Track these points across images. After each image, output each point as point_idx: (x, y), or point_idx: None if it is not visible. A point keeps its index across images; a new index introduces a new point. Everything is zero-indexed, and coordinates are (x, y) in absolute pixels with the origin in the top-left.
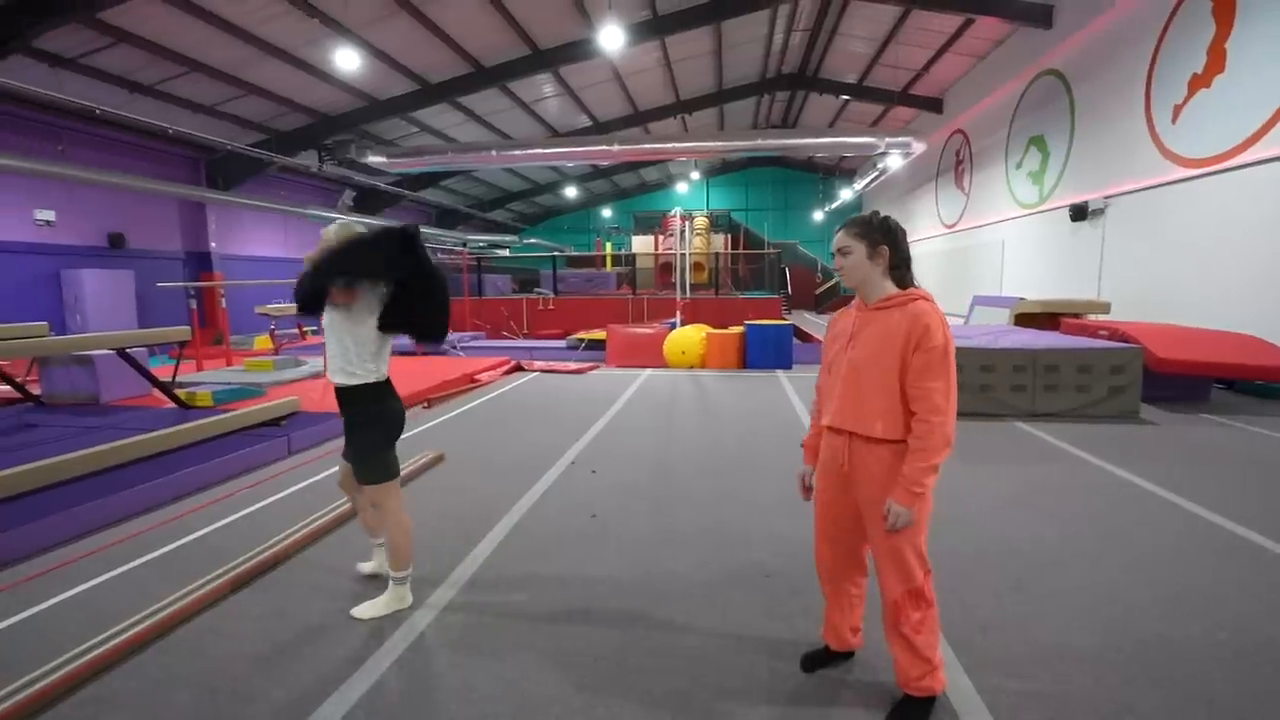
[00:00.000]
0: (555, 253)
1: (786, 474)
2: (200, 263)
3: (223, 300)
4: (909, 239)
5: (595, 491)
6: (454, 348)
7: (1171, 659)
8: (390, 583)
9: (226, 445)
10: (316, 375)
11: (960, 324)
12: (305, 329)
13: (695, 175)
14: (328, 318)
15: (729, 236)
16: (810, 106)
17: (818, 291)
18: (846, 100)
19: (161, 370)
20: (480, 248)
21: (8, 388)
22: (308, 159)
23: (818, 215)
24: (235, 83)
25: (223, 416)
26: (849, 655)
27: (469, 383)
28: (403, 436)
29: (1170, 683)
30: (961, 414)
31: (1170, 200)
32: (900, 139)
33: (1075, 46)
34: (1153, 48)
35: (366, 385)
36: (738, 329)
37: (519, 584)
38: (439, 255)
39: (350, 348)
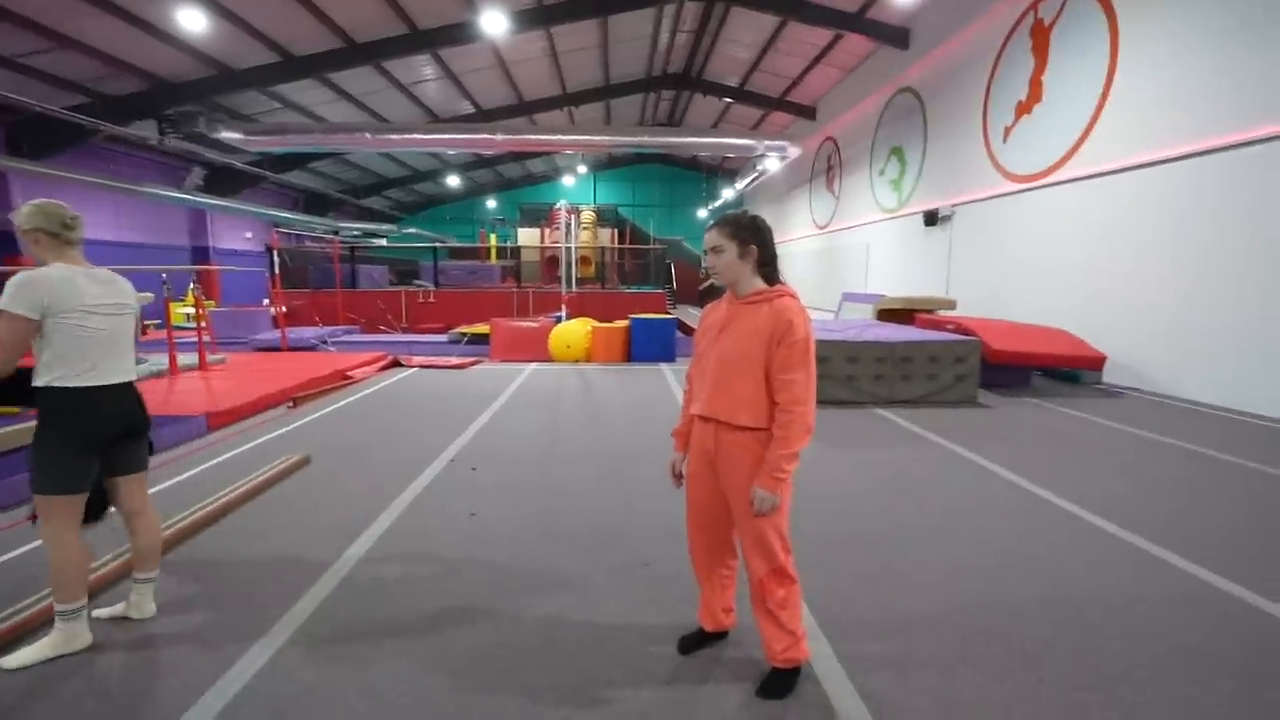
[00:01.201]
0: (436, 243)
1: (665, 463)
2: (5, 244)
3: None
4: (785, 238)
5: (476, 489)
6: (324, 343)
7: (1002, 617)
8: (56, 620)
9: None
10: (159, 375)
11: (830, 319)
12: (147, 323)
13: (582, 169)
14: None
15: (615, 231)
16: (695, 107)
17: (701, 287)
18: (729, 103)
19: None
20: (354, 236)
21: None
22: (146, 130)
23: (701, 213)
24: (47, 33)
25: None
26: (723, 635)
27: (341, 380)
28: (267, 438)
29: (998, 636)
30: (828, 402)
31: (1003, 210)
32: (777, 143)
33: (927, 67)
34: (988, 74)
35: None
36: (623, 323)
37: (392, 588)
38: (307, 243)
39: None
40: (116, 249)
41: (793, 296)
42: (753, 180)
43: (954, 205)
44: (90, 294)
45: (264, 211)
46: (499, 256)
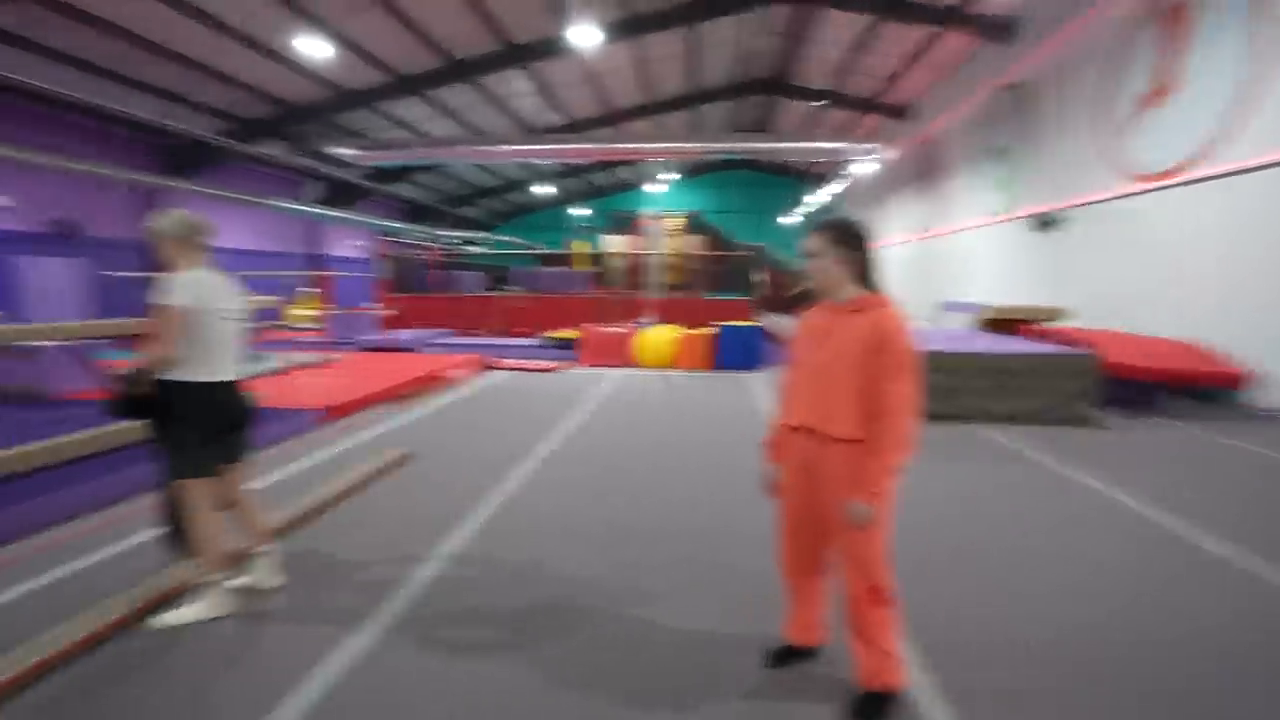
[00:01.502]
0: (528, 250)
1: (754, 472)
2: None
3: None
4: (880, 244)
5: (566, 489)
6: (423, 345)
7: (1122, 651)
8: (202, 588)
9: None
10: (280, 371)
11: (929, 328)
12: (266, 325)
13: (669, 176)
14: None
15: (701, 238)
16: (783, 111)
17: (789, 295)
18: (819, 106)
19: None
20: (452, 243)
21: None
22: (274, 148)
23: (789, 219)
24: (200, 69)
25: None
26: (813, 651)
27: (438, 380)
28: (373, 433)
29: (1117, 672)
30: (926, 416)
31: (1124, 213)
32: (869, 146)
33: (1036, 61)
34: (1108, 64)
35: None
36: (709, 329)
37: (484, 584)
38: (408, 250)
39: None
40: (245, 256)
41: (892, 304)
42: (843, 185)
43: (1067, 208)
44: (222, 298)
45: (371, 221)
46: (587, 263)
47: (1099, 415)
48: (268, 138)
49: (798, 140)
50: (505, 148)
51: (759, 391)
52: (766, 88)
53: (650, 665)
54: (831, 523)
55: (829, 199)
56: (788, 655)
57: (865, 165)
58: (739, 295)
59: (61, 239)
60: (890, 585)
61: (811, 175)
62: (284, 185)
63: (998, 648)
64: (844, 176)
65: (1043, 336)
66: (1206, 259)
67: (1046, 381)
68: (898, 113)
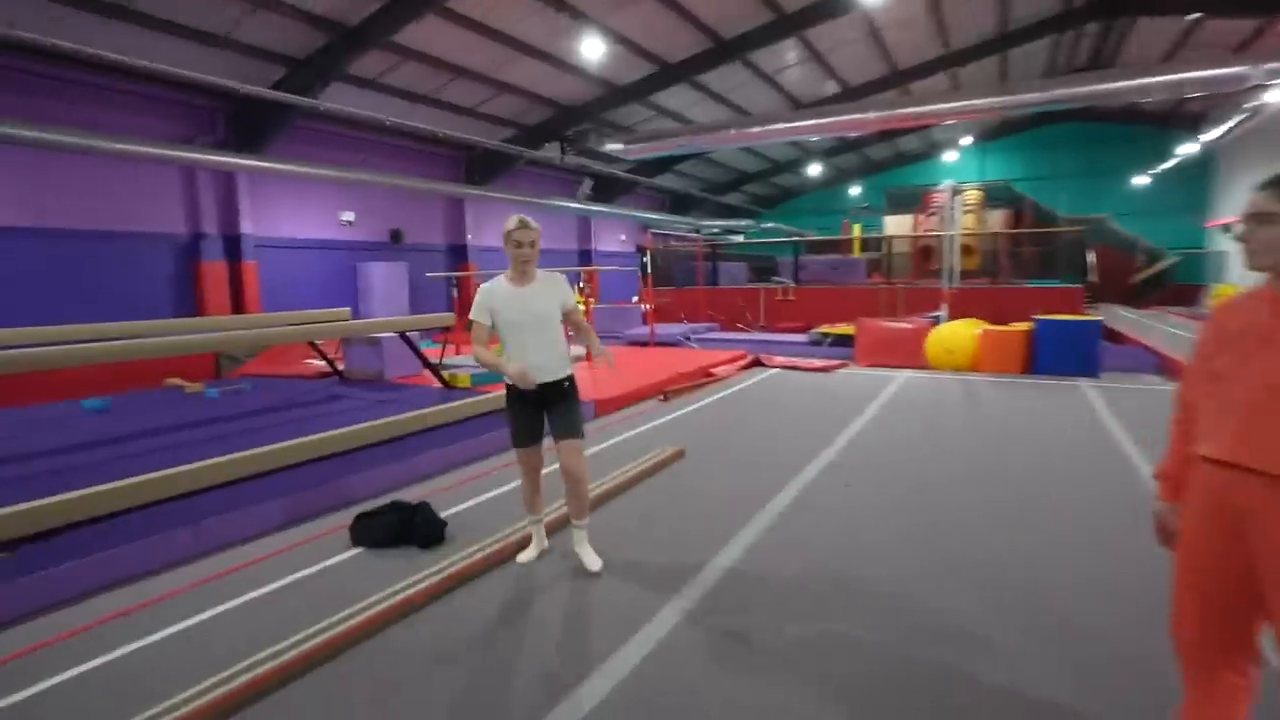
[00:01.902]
0: (796, 237)
1: (1094, 507)
2: (458, 255)
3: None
4: None
5: (850, 505)
6: (687, 339)
7: None
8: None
9: (484, 424)
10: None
11: None
12: None
13: (966, 141)
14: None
15: (1009, 212)
16: (1135, 36)
17: (1135, 280)
18: (1198, 18)
19: (429, 353)
20: (714, 234)
21: (323, 363)
22: (551, 151)
23: (1139, 180)
24: (491, 84)
25: (481, 398)
26: None
27: (704, 377)
28: (643, 428)
29: None
30: None
31: None
32: None
33: None
34: None
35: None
36: (1022, 325)
37: (770, 596)
38: (671, 242)
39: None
40: None
41: None
42: (1236, 125)
43: None
44: (504, 301)
45: (636, 214)
46: (863, 249)
47: None
48: (548, 140)
49: (1162, 73)
50: (774, 126)
51: (1097, 405)
52: (1109, 8)
53: None
54: (1273, 594)
55: (1206, 148)
56: None
57: (1277, 93)
58: (1064, 282)
59: (392, 246)
60: None
61: (1178, 119)
62: (561, 185)
63: None
64: (1240, 113)
65: None
66: None
67: None
68: None
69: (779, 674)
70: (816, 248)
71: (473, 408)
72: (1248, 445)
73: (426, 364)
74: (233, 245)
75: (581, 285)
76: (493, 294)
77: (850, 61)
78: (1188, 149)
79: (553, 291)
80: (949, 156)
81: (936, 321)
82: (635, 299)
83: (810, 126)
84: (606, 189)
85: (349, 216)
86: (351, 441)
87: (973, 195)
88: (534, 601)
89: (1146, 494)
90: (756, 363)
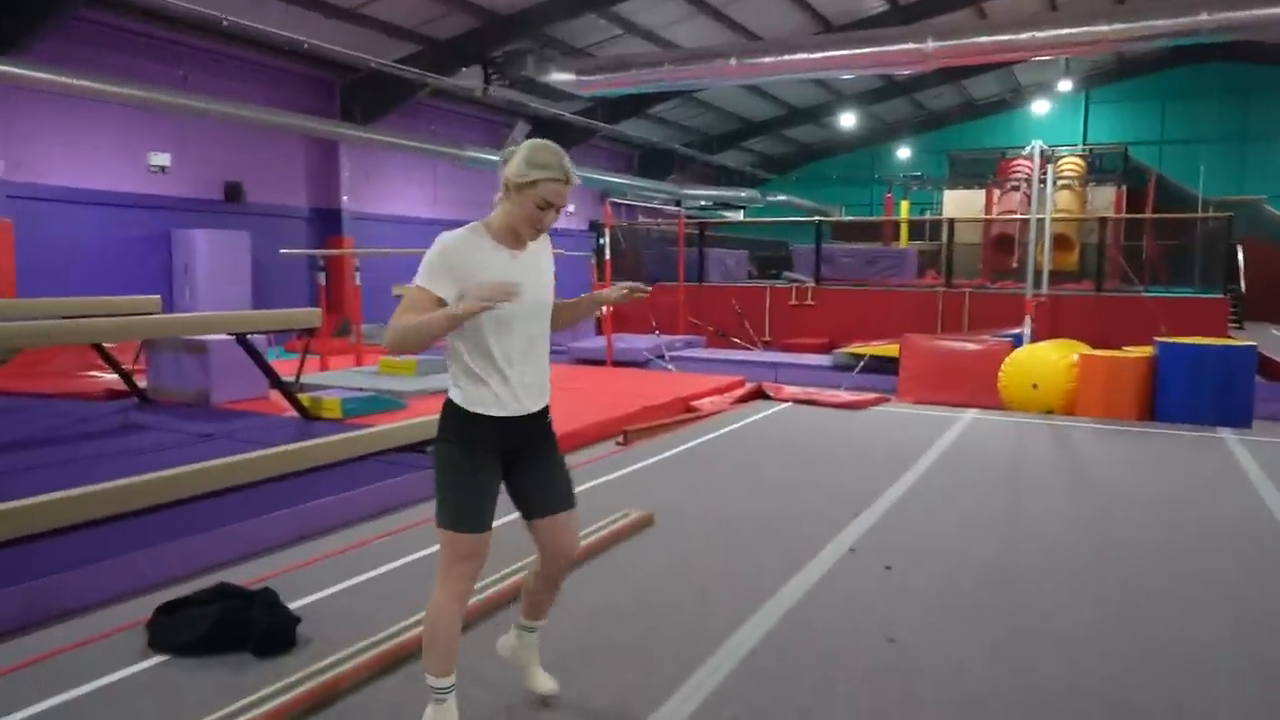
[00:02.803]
0: (819, 217)
1: (1255, 609)
2: (328, 223)
3: (357, 275)
4: None
5: (891, 601)
6: (660, 358)
7: None
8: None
9: (356, 474)
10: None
11: None
12: None
13: (1065, 85)
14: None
15: (1123, 189)
16: None
17: None
18: None
19: (280, 367)
20: (703, 208)
21: (114, 376)
22: (470, 79)
23: None
24: None
25: (355, 435)
26: None
27: (684, 412)
28: (593, 483)
29: None
30: None
31: None
32: None
33: None
34: None
35: None
36: (1141, 351)
37: None
38: (640, 217)
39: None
40: (429, 227)
41: None
42: None
43: None
44: (491, 272)
45: (594, 176)
46: (914, 236)
47: None
48: (465, 64)
49: None
50: (793, 57)
51: (1247, 466)
52: None
53: None
54: None
55: None
56: None
57: None
58: (1201, 291)
59: (228, 206)
60: None
61: None
62: (483, 129)
63: None
64: None
65: None
66: None
67: None
68: None
69: None
70: (847, 232)
71: (342, 448)
72: None
73: (277, 383)
74: None
75: None
76: (469, 254)
77: None
78: None
79: (549, 261)
80: (1039, 108)
81: (1017, 343)
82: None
83: (845, 58)
84: (549, 137)
85: (162, 160)
86: (152, 496)
87: (1072, 164)
88: None
89: None
90: (759, 393)
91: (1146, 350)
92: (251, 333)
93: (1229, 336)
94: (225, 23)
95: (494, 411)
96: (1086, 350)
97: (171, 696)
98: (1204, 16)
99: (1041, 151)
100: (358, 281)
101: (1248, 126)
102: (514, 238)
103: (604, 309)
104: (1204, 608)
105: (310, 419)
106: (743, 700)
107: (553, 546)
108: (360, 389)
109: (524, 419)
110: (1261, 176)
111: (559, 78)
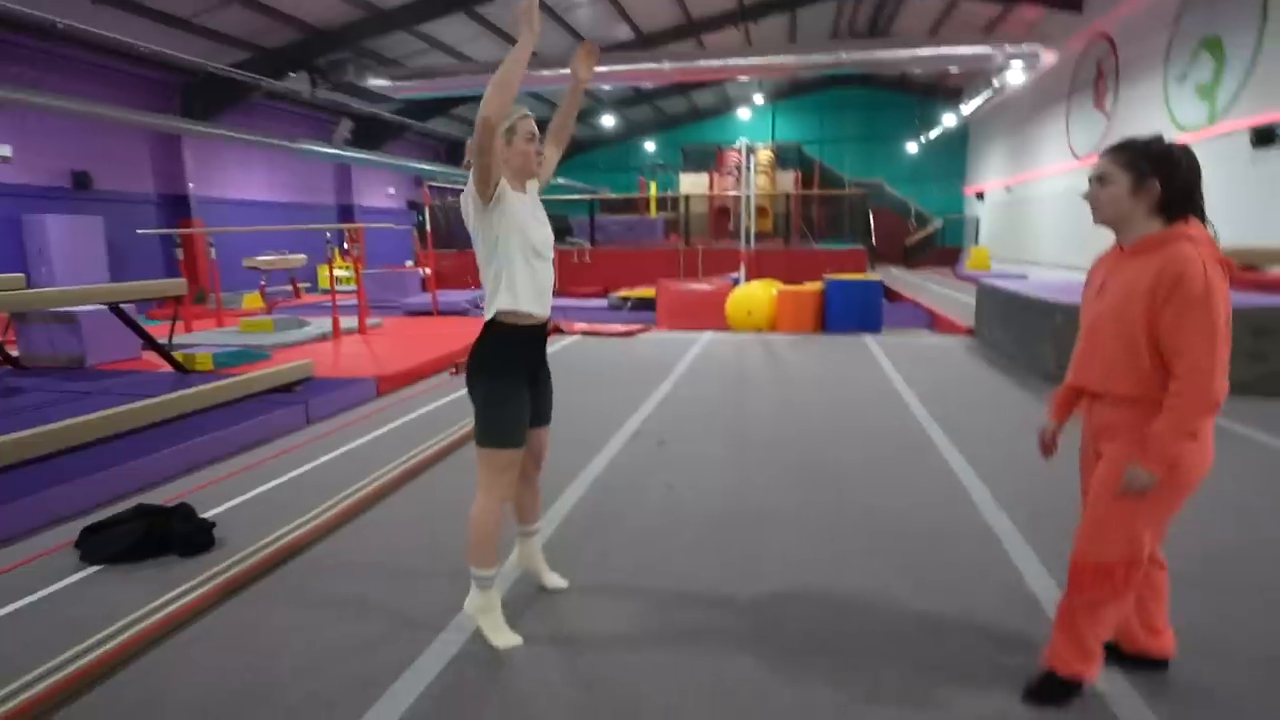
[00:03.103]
0: (590, 195)
1: (879, 438)
2: (176, 207)
3: (211, 250)
4: (1029, 174)
5: (666, 463)
6: (476, 307)
7: None
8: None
9: (237, 413)
10: (324, 337)
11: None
12: (300, 285)
13: (759, 99)
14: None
15: (799, 174)
16: (907, 9)
17: (909, 242)
18: None
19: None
20: None
21: None
22: (298, 83)
23: (911, 147)
24: None
25: (229, 381)
26: (1153, 663)
27: None
28: (437, 404)
29: None
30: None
31: None
32: (1025, 48)
33: None
34: None
35: None
36: (814, 285)
37: (589, 567)
38: (449, 198)
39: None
40: (270, 209)
41: (1192, 240)
42: (986, 100)
43: None
44: (525, 211)
45: (407, 164)
46: (660, 208)
47: None
48: (293, 69)
49: (927, 46)
50: (564, 71)
51: (880, 357)
52: None
53: (825, 645)
54: (1093, 479)
55: (965, 120)
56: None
57: (1017, 73)
58: (850, 244)
59: (77, 193)
60: (1127, 575)
61: (943, 91)
62: (313, 126)
63: (1205, 650)
64: (988, 90)
65: (1261, 286)
66: None
67: (1271, 343)
68: (1069, 2)
69: (610, 650)
70: (613, 207)
71: (224, 392)
72: (1083, 370)
73: (151, 343)
74: None
75: (345, 246)
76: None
77: (644, 5)
78: (949, 120)
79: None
80: (742, 114)
81: (736, 283)
82: (410, 263)
83: (604, 74)
84: (370, 133)
85: (4, 152)
86: (47, 444)
87: (765, 155)
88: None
89: (916, 426)
90: (555, 329)
91: (818, 284)
92: (123, 301)
93: (867, 274)
94: (60, 25)
95: (528, 317)
96: (781, 286)
97: (109, 597)
98: (844, 55)
99: (746, 146)
100: (213, 256)
101: (874, 130)
102: (521, 181)
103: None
104: (851, 436)
105: (185, 372)
106: (567, 539)
107: (536, 450)
108: (227, 345)
109: (539, 334)
110: (884, 165)
111: (376, 83)
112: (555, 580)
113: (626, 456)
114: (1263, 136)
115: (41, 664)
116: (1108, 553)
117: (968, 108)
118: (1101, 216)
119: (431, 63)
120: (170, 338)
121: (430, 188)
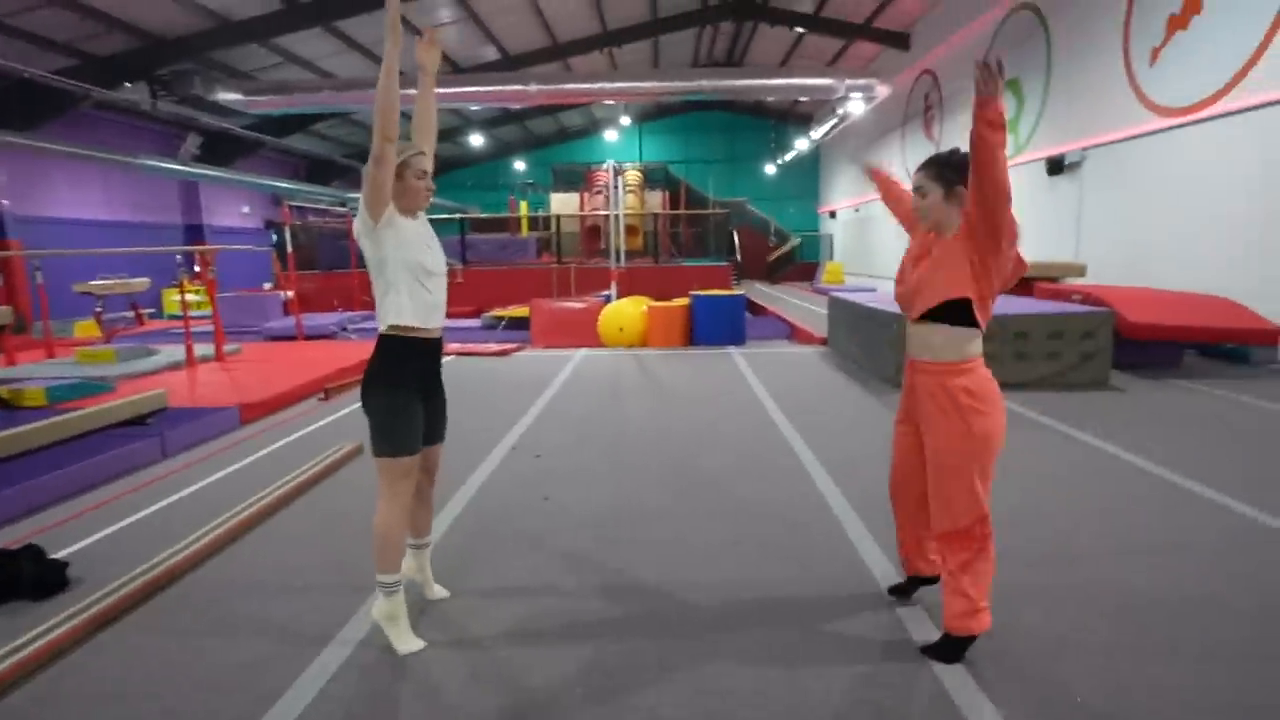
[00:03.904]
0: (461, 214)
1: (742, 437)
2: None
3: (38, 274)
4: (869, 196)
5: (542, 476)
6: (344, 330)
7: (1163, 616)
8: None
9: (82, 449)
10: (176, 366)
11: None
12: (142, 311)
13: (625, 121)
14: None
15: (666, 193)
16: (759, 40)
17: (771, 258)
18: (801, 34)
19: None
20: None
21: None
22: (136, 94)
23: (769, 168)
24: None
25: (69, 416)
26: (930, 580)
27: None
28: (306, 430)
29: (1135, 626)
30: None
31: (1148, 153)
32: (862, 81)
33: None
34: None
35: None
36: (682, 301)
37: (475, 571)
38: (310, 217)
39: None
40: (106, 229)
41: None
42: (833, 127)
43: (1085, 148)
44: (414, 236)
45: (266, 183)
46: (532, 227)
47: (1117, 378)
48: (131, 79)
49: (777, 76)
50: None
51: (743, 368)
52: (739, 11)
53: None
54: (926, 458)
55: (816, 144)
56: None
57: (858, 104)
58: (715, 260)
59: None
60: (979, 528)
61: (795, 117)
62: (157, 140)
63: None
64: (834, 117)
65: (1056, 295)
66: (1238, 205)
67: (1061, 344)
68: (895, 40)
69: (499, 649)
70: (484, 226)
71: (53, 431)
72: (907, 344)
73: None
74: None
75: (197, 269)
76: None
77: (511, 27)
78: (802, 144)
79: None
80: (610, 135)
81: (608, 300)
82: (269, 285)
83: (469, 94)
84: (221, 149)
85: None
86: None
87: (633, 175)
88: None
89: (774, 429)
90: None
91: (685, 300)
92: None
93: (731, 289)
94: None
95: (418, 331)
96: (651, 302)
97: None
98: (704, 82)
99: (614, 167)
100: (39, 280)
101: (735, 151)
102: (411, 213)
103: (428, 75)
104: (717, 440)
105: (13, 409)
106: (453, 546)
107: (429, 466)
108: (62, 378)
109: (433, 349)
110: (746, 185)
111: (227, 97)
112: (439, 591)
113: (505, 471)
114: (1055, 165)
115: None
116: (961, 518)
117: (817, 133)
118: (928, 224)
119: (287, 77)
120: None
121: (290, 207)
